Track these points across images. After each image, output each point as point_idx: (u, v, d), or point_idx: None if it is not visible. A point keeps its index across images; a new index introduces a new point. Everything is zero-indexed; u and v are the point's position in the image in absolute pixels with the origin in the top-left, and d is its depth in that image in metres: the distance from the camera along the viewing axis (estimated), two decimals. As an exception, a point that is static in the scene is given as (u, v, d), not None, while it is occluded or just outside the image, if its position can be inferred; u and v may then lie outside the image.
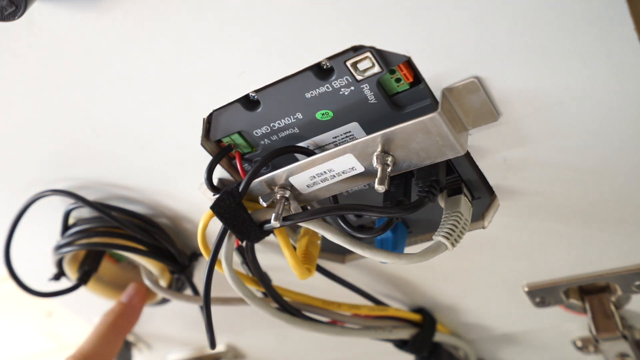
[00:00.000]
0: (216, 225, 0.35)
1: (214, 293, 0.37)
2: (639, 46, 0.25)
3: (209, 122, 0.34)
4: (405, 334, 0.46)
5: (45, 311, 0.64)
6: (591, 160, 0.32)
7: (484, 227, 0.37)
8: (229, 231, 0.35)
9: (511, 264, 0.43)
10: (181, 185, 0.40)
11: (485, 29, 0.25)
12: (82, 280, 0.48)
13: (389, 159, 0.29)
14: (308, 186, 0.32)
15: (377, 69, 0.28)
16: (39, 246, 0.50)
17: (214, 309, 0.37)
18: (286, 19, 0.27)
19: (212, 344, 0.38)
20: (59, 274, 0.48)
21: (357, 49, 0.28)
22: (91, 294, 0.52)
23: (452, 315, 0.51)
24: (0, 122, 0.37)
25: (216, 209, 0.33)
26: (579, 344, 0.52)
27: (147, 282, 0.48)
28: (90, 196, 0.44)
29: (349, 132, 0.33)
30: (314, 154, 0.32)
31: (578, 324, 0.49)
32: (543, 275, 0.44)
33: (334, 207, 0.33)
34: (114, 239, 0.44)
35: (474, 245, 0.40)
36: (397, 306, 0.49)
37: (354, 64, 0.29)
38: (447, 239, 0.32)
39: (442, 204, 0.35)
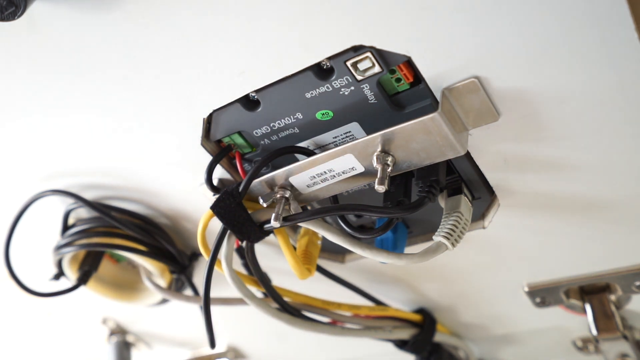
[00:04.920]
0: (216, 225, 0.35)
1: (214, 293, 0.37)
2: (639, 46, 0.25)
3: (209, 122, 0.34)
4: (405, 334, 0.46)
5: (45, 311, 0.64)
6: (591, 160, 0.32)
7: (484, 227, 0.37)
8: (229, 231, 0.35)
9: (511, 264, 0.43)
10: (181, 185, 0.40)
11: (486, 29, 0.25)
12: (82, 280, 0.48)
13: (389, 159, 0.29)
14: (308, 186, 0.32)
15: (377, 69, 0.28)
16: (39, 246, 0.50)
17: (214, 309, 0.37)
18: (286, 18, 0.27)
19: (212, 344, 0.38)
20: (59, 274, 0.48)
21: (357, 49, 0.28)
22: (91, 294, 0.52)
23: (452, 315, 0.51)
24: (0, 122, 0.37)
25: (216, 209, 0.33)
26: (579, 344, 0.52)
27: (146, 282, 0.48)
28: (90, 196, 0.44)
29: (349, 132, 0.33)
30: (314, 154, 0.32)
31: (578, 324, 0.49)
32: (543, 275, 0.44)
33: (334, 207, 0.33)
34: (114, 239, 0.44)
35: (474, 245, 0.40)
36: (397, 306, 0.49)
37: (354, 64, 0.29)
38: (448, 239, 0.32)
39: (442, 204, 0.35)
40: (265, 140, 0.34)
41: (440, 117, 0.27)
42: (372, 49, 0.27)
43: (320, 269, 0.44)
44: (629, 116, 0.29)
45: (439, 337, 0.49)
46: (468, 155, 0.33)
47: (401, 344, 0.47)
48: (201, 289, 0.37)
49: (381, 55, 0.28)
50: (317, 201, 0.35)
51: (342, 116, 0.32)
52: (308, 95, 0.31)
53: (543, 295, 0.45)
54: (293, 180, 0.32)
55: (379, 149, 0.29)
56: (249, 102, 0.32)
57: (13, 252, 0.45)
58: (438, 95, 0.28)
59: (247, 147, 0.36)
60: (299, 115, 0.32)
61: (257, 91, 0.31)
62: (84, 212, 0.45)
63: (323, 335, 0.42)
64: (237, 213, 0.33)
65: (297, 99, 0.31)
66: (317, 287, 0.43)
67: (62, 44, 0.30)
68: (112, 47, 0.30)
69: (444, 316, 0.51)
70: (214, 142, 0.35)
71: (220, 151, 0.35)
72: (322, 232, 0.33)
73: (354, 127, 0.32)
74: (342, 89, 0.30)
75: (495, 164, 0.33)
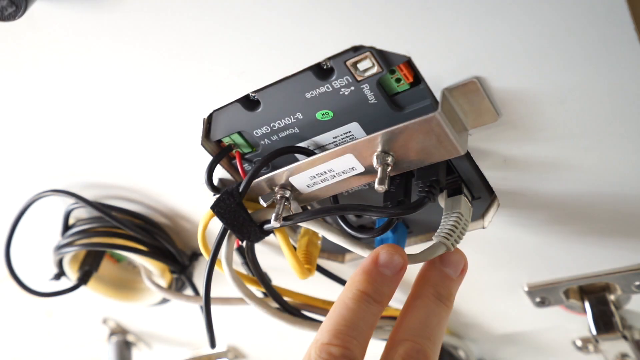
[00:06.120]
0: (216, 225, 0.35)
1: (214, 293, 0.37)
2: (639, 46, 0.25)
3: (209, 122, 0.34)
4: (405, 334, 0.46)
5: (45, 311, 0.64)
6: (591, 160, 0.32)
7: (484, 227, 0.37)
8: (229, 231, 0.35)
9: (511, 264, 0.43)
10: (181, 186, 0.40)
11: (486, 29, 0.25)
12: (82, 280, 0.48)
13: (389, 159, 0.29)
14: (308, 186, 0.32)
15: (377, 69, 0.28)
16: (39, 246, 0.50)
17: (214, 309, 0.37)
18: (286, 18, 0.27)
19: (212, 344, 0.38)
20: (59, 274, 0.48)
21: (357, 49, 0.28)
22: (91, 294, 0.52)
23: (452, 315, 0.51)
24: (0, 122, 0.37)
25: (216, 209, 0.33)
26: (579, 344, 0.52)
27: (147, 282, 0.48)
28: (90, 196, 0.44)
29: (349, 132, 0.33)
30: (314, 154, 0.32)
31: (578, 324, 0.49)
32: (543, 275, 0.44)
33: (334, 207, 0.33)
34: (114, 239, 0.44)
35: (474, 245, 0.40)
36: (397, 306, 0.49)
37: (354, 64, 0.29)
38: (448, 239, 0.32)
39: (442, 204, 0.35)
40: (266, 140, 0.34)
41: (440, 117, 0.27)
42: (372, 49, 0.27)
43: (320, 269, 0.44)
44: (629, 116, 0.29)
45: (438, 337, 0.49)
46: (468, 155, 0.33)
47: (401, 344, 0.47)
48: (201, 289, 0.37)
49: (381, 56, 0.28)
50: (317, 201, 0.35)
51: (342, 116, 0.32)
52: (308, 95, 0.31)
53: (543, 295, 0.45)
54: (293, 180, 0.32)
55: (379, 149, 0.29)
56: (249, 102, 0.32)
57: (14, 252, 0.45)
58: (438, 96, 0.28)
59: (247, 147, 0.36)
60: (299, 115, 0.32)
61: (257, 91, 0.31)
62: (84, 212, 0.45)
63: (323, 335, 0.42)
64: (237, 213, 0.33)
65: (297, 99, 0.31)
66: (317, 287, 0.43)
67: (62, 44, 0.30)
68: (112, 48, 0.30)
69: (444, 316, 0.51)
70: (214, 142, 0.35)
71: (221, 151, 0.35)
72: (322, 232, 0.33)
73: (354, 127, 0.32)
74: (342, 89, 0.30)
75: (495, 164, 0.33)
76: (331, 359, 0.27)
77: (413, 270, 0.46)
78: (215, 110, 0.33)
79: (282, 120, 0.33)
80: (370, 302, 0.29)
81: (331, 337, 0.28)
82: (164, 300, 0.53)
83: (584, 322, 0.46)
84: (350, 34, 0.27)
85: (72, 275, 0.48)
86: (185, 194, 0.42)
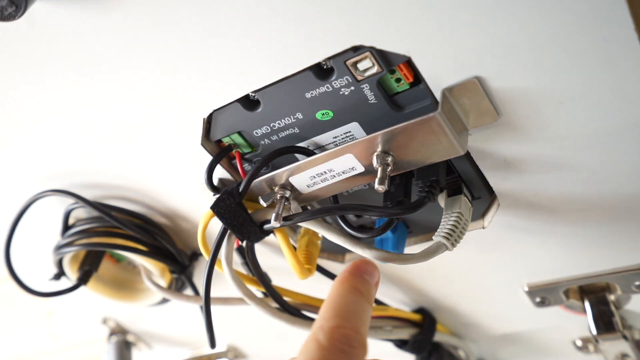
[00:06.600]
0: (216, 225, 0.35)
1: (214, 293, 0.37)
2: (639, 46, 0.25)
3: (209, 122, 0.34)
4: (405, 334, 0.46)
5: (45, 311, 0.64)
6: (591, 160, 0.32)
7: (484, 227, 0.37)
8: (229, 231, 0.35)
9: (511, 264, 0.43)
10: (181, 185, 0.40)
11: (486, 29, 0.25)
12: (82, 280, 0.48)
13: (389, 158, 0.29)
14: (308, 186, 0.32)
15: (377, 69, 0.28)
16: (39, 246, 0.50)
17: (214, 309, 0.37)
18: (286, 18, 0.27)
19: (212, 344, 0.38)
20: (59, 274, 0.48)
21: (357, 49, 0.28)
22: (91, 294, 0.52)
23: (452, 315, 0.51)
24: (0, 122, 0.37)
25: (216, 209, 0.33)
26: (579, 344, 0.52)
27: (147, 282, 0.48)
28: (90, 196, 0.44)
29: (349, 132, 0.33)
30: (314, 154, 0.32)
31: (578, 324, 0.49)
32: (543, 275, 0.44)
33: (334, 207, 0.33)
34: (114, 239, 0.44)
35: (474, 245, 0.40)
36: (397, 306, 0.49)
37: (354, 64, 0.29)
38: (448, 239, 0.32)
39: (442, 204, 0.35)
40: (266, 140, 0.34)
41: (440, 117, 0.27)
42: (371, 49, 0.27)
43: (320, 269, 0.44)
44: (629, 116, 0.29)
45: (439, 337, 0.49)
46: (468, 155, 0.33)
47: (401, 344, 0.47)
48: (201, 289, 0.37)
49: (381, 55, 0.28)
50: (317, 201, 0.35)
51: (342, 116, 0.32)
52: (308, 95, 0.31)
53: (543, 295, 0.45)
54: (293, 180, 0.32)
55: (379, 148, 0.29)
56: (249, 102, 0.32)
57: (13, 252, 0.45)
58: (438, 96, 0.28)
59: (247, 147, 0.36)
60: (299, 115, 0.32)
61: (257, 91, 0.31)
62: (84, 212, 0.45)
63: (323, 335, 0.42)
64: (237, 213, 0.33)
65: (297, 99, 0.31)
66: (317, 287, 0.43)
67: (63, 44, 0.30)
68: (113, 47, 0.30)
69: (444, 316, 0.51)
70: (214, 142, 0.35)
71: (221, 151, 0.35)
72: (322, 232, 0.33)
73: (354, 127, 0.32)
74: (342, 89, 0.30)
75: (495, 164, 0.33)
76: (348, 342, 0.24)
77: (413, 270, 0.46)
78: (215, 110, 0.33)
79: (282, 120, 0.33)
80: (364, 299, 0.28)
81: (340, 320, 0.25)
82: (164, 300, 0.53)
83: (584, 322, 0.46)
84: (350, 34, 0.27)
85: (72, 275, 0.48)
86: (185, 194, 0.41)
